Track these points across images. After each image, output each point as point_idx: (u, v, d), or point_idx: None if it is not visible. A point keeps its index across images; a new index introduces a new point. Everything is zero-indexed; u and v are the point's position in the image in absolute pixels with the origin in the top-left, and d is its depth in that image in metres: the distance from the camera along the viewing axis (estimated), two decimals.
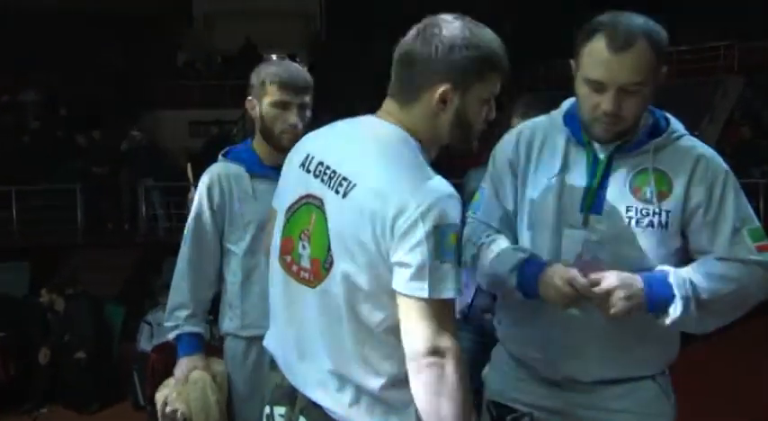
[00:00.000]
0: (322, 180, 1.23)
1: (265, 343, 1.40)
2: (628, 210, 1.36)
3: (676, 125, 1.43)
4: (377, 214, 1.15)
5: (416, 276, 1.13)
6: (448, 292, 1.14)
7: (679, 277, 1.32)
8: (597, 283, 1.31)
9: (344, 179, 1.20)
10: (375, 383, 1.21)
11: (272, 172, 1.78)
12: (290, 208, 1.29)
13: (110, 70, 13.63)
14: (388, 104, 1.28)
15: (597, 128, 1.36)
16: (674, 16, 12.39)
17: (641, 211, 1.36)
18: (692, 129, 7.79)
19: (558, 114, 1.49)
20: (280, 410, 1.32)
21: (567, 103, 1.50)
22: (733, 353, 4.47)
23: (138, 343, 5.60)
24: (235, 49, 14.95)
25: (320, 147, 1.29)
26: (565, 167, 1.41)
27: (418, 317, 1.14)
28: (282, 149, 1.80)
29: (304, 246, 1.24)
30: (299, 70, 1.83)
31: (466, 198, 2.33)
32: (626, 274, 1.31)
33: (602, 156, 1.39)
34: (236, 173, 1.84)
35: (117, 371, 5.66)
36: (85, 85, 12.77)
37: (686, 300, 1.30)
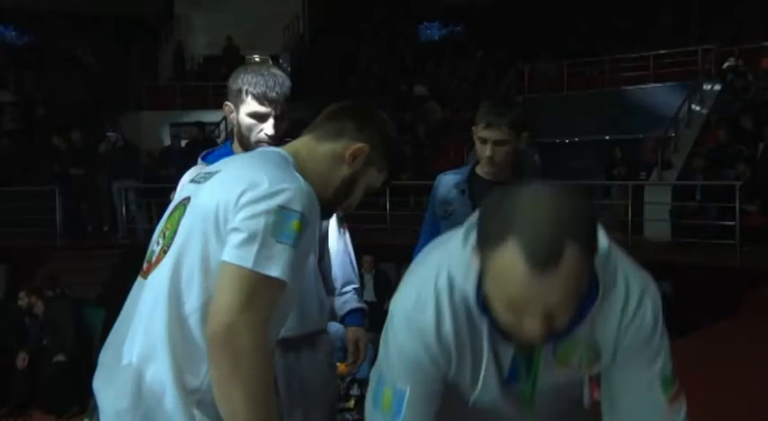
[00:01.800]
0: (198, 182, 1.24)
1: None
2: (556, 379, 1.15)
3: (606, 276, 1.08)
4: (229, 190, 1.13)
5: (245, 243, 1.08)
6: (274, 270, 1.08)
7: None
8: None
9: (210, 172, 1.23)
10: (185, 378, 1.13)
11: None
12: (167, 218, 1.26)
13: (88, 71, 13.50)
14: (300, 139, 1.32)
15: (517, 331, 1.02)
16: (652, 20, 12.53)
17: (568, 379, 1.15)
18: (670, 132, 7.87)
19: (470, 293, 1.08)
20: None
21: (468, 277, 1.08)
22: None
23: None
24: (217, 50, 14.88)
25: (212, 165, 1.32)
26: (494, 359, 1.12)
27: (230, 288, 1.08)
28: None
29: (158, 242, 1.23)
30: (276, 80, 1.78)
31: (436, 203, 2.36)
32: None
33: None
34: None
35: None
36: (63, 86, 12.63)
37: None
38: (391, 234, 8.56)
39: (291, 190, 1.13)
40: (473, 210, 2.23)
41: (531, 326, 0.97)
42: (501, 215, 0.94)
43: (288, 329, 1.86)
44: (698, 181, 8.13)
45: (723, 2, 11.86)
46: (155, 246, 1.24)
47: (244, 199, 1.12)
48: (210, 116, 11.44)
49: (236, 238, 1.10)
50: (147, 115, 12.89)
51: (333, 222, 2.01)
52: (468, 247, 1.06)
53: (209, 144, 6.37)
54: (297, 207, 1.12)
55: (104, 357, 1.25)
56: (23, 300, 5.55)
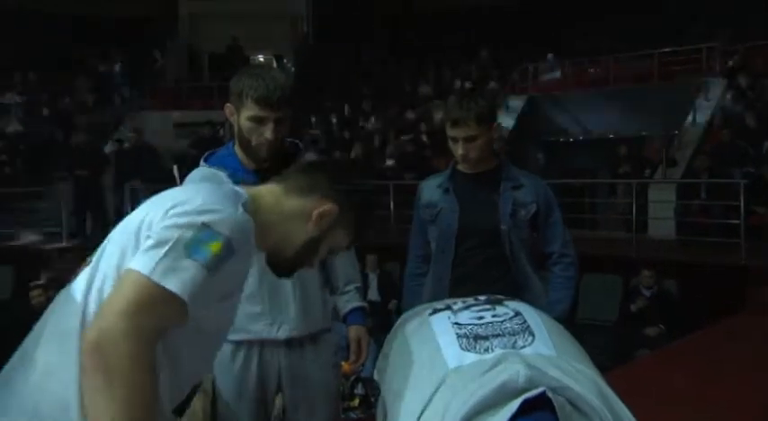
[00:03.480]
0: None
1: None
2: None
3: None
4: (160, 206, 1.08)
5: (150, 250, 1.01)
6: (172, 284, 0.99)
7: None
8: None
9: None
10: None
11: (253, 177, 1.81)
12: None
13: (94, 71, 13.54)
14: (266, 186, 1.24)
15: None
16: (656, 17, 12.45)
17: None
18: (674, 130, 7.85)
19: None
20: None
21: None
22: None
23: None
24: (221, 50, 14.91)
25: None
26: None
27: (120, 292, 1.00)
28: (259, 160, 1.84)
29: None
30: (277, 84, 1.78)
31: (421, 208, 2.34)
32: None
33: None
34: (218, 178, 1.84)
35: None
36: (69, 87, 12.68)
37: None
38: (395, 233, 8.57)
39: (224, 213, 1.05)
40: (459, 205, 2.24)
41: None
42: None
43: (292, 329, 1.88)
44: (703, 179, 8.11)
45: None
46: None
47: (171, 211, 1.06)
48: (215, 116, 11.47)
49: (145, 245, 1.03)
50: (150, 115, 12.92)
51: None
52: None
53: (219, 144, 6.38)
54: (223, 230, 1.03)
55: (12, 361, 1.14)
56: (41, 296, 5.54)
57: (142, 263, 1.01)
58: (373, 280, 7.19)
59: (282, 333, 1.87)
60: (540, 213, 2.26)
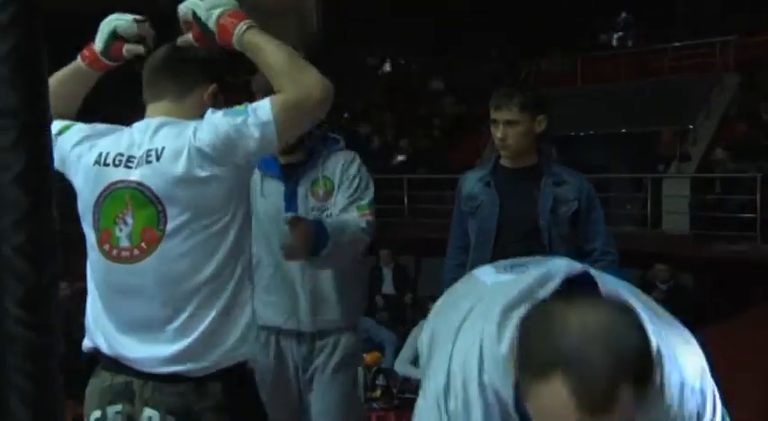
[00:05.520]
0: (127, 166, 1.36)
1: (89, 344, 1.44)
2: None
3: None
4: (185, 142, 1.33)
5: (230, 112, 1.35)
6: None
7: None
8: None
9: (150, 151, 1.35)
10: (210, 313, 1.34)
11: (275, 167, 1.87)
12: (95, 203, 1.39)
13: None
14: (153, 110, 1.47)
15: None
16: (670, 12, 12.35)
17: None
18: (688, 124, 7.82)
19: (509, 400, 1.03)
20: (115, 408, 1.35)
21: None
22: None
23: None
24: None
25: (108, 145, 1.42)
26: None
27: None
28: (282, 152, 1.90)
29: (121, 229, 1.35)
30: None
31: (462, 200, 2.37)
32: None
33: None
34: None
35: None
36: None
37: None
38: (409, 227, 8.61)
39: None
40: (499, 199, 2.28)
41: None
42: (547, 342, 0.88)
43: (300, 323, 1.93)
44: (717, 173, 8.09)
45: None
46: (117, 232, 1.37)
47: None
48: None
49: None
50: None
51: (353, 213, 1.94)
52: (503, 345, 0.99)
53: None
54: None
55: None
56: (64, 290, 5.63)
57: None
58: (388, 274, 7.23)
59: (291, 325, 1.93)
60: (582, 210, 2.28)
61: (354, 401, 2.04)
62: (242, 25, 1.35)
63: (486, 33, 13.64)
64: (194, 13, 1.38)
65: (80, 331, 1.46)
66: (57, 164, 1.44)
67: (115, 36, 1.45)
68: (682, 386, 1.01)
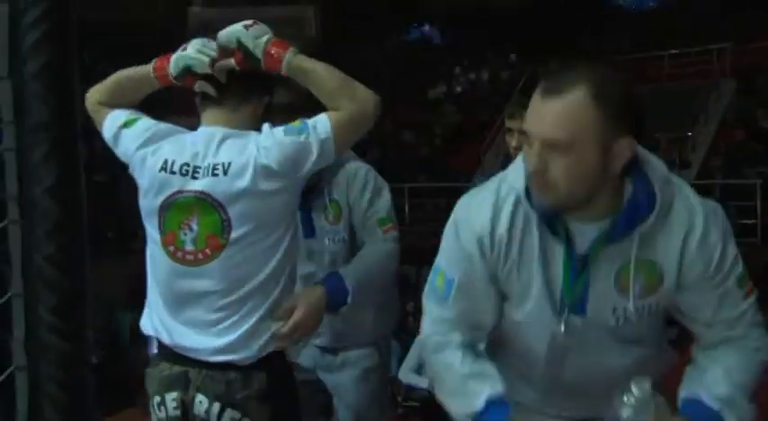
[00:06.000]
0: (194, 176, 1.45)
1: (149, 330, 1.58)
2: (615, 311, 1.18)
3: (664, 191, 1.14)
4: (250, 157, 1.43)
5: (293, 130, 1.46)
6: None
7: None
8: None
9: (216, 166, 1.45)
10: (256, 314, 1.45)
11: None
12: (161, 207, 1.49)
13: (105, 76, 13.63)
14: (210, 120, 1.55)
15: (533, 191, 1.13)
16: (666, 20, 12.39)
17: (629, 309, 1.17)
18: (687, 131, 7.83)
19: (521, 191, 1.17)
20: (172, 395, 1.49)
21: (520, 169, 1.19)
22: None
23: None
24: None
25: (172, 152, 1.51)
26: (543, 265, 1.17)
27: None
28: None
29: (186, 234, 1.45)
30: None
31: None
32: None
33: (582, 249, 1.15)
34: None
35: (128, 376, 5.71)
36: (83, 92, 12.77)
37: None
38: (410, 236, 8.62)
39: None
40: None
41: (530, 159, 1.09)
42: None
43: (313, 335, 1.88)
44: (717, 179, 8.12)
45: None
46: (182, 236, 1.46)
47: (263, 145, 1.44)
48: None
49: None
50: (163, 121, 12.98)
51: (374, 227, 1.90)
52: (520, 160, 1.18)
53: None
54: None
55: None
56: None
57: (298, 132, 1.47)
58: None
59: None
60: None
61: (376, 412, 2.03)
62: (290, 53, 1.45)
63: (486, 38, 13.72)
64: (239, 41, 1.47)
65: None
66: (121, 156, 1.60)
67: (189, 72, 1.53)
68: None
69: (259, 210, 1.42)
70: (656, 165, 1.15)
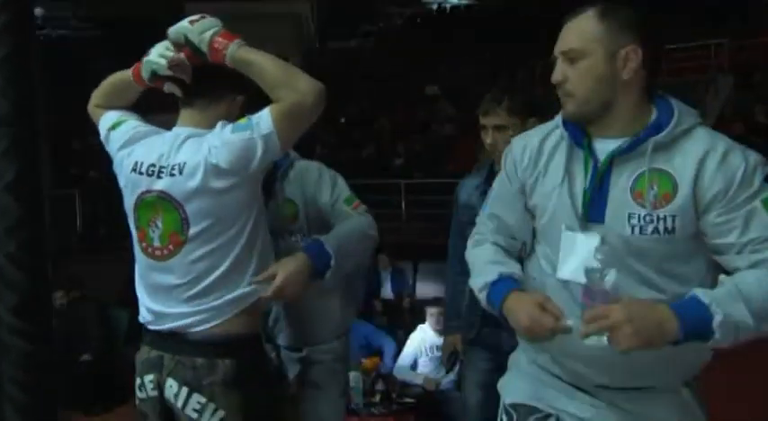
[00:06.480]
0: (159, 176, 1.54)
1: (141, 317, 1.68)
2: (630, 218, 1.27)
3: (685, 117, 1.32)
4: (202, 157, 1.49)
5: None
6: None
7: (716, 295, 1.21)
8: (603, 317, 1.18)
9: (174, 166, 1.52)
10: (234, 295, 1.55)
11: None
12: (134, 206, 1.60)
13: (103, 73, 13.62)
14: (183, 120, 1.63)
15: (562, 108, 1.38)
16: (665, 15, 12.46)
17: (644, 218, 1.26)
18: None
19: (560, 120, 1.42)
20: (149, 377, 1.59)
21: None
22: None
23: None
24: None
25: (142, 154, 1.60)
26: (567, 175, 1.35)
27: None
28: None
29: (153, 231, 1.56)
30: None
31: (459, 209, 2.35)
32: (641, 305, 1.20)
33: (602, 158, 1.31)
34: None
35: (122, 373, 5.70)
36: (80, 89, 12.75)
37: (730, 317, 1.18)
38: (407, 232, 8.61)
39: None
40: None
41: (554, 74, 1.34)
42: None
43: (280, 334, 1.95)
44: None
45: None
46: (151, 233, 1.56)
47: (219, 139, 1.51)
48: None
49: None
50: (158, 118, 12.95)
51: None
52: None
53: None
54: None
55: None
56: (62, 298, 5.62)
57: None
58: (386, 278, 7.21)
59: (277, 333, 1.96)
60: None
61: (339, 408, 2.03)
62: (234, 45, 1.48)
63: (482, 35, 13.69)
64: (186, 37, 1.52)
65: (82, 343, 1.59)
66: (111, 156, 1.69)
67: (156, 75, 1.61)
68: None
69: (213, 207, 1.48)
70: (685, 105, 1.35)
